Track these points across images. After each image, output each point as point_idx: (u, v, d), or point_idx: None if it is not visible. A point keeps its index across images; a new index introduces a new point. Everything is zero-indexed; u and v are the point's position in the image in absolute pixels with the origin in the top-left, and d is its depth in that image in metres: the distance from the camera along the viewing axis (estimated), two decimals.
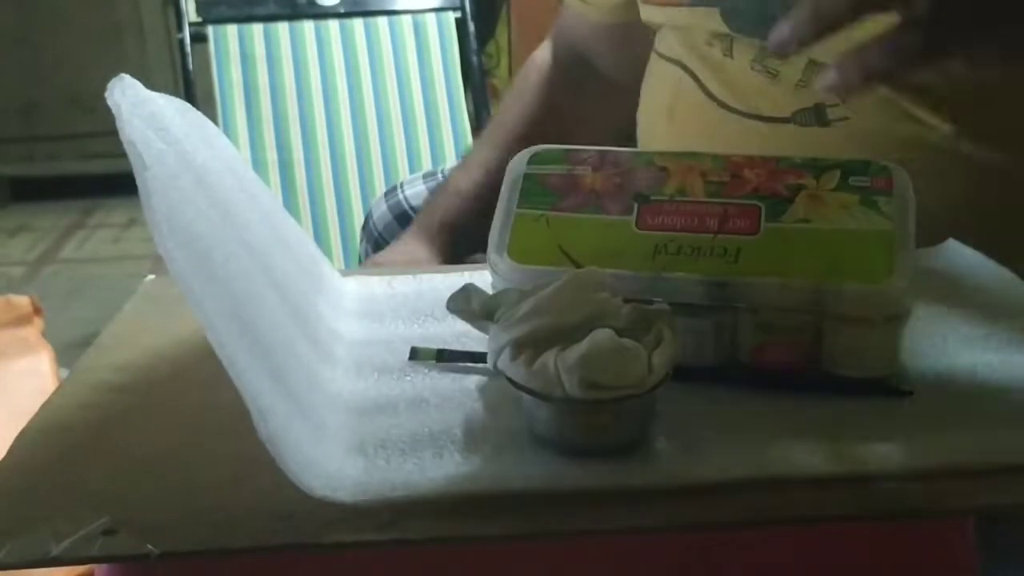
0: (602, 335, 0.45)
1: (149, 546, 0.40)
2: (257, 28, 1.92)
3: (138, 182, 0.43)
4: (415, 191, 1.08)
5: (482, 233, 0.57)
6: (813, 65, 0.71)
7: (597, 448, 0.45)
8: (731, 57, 0.76)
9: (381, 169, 1.90)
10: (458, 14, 1.99)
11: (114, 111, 0.45)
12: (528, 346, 0.46)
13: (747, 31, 0.74)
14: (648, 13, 0.84)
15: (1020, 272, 0.62)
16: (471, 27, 1.98)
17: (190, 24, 1.93)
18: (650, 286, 0.51)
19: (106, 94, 0.46)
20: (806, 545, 0.46)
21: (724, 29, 0.75)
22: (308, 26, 1.94)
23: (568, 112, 1.00)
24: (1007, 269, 0.63)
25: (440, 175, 1.09)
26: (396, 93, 1.93)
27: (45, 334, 1.62)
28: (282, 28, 1.93)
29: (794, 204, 0.53)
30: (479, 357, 0.54)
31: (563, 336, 0.45)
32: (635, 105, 0.89)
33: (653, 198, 0.55)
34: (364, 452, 0.46)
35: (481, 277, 0.57)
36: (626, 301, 0.48)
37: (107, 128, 0.47)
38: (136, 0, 3.24)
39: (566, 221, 0.55)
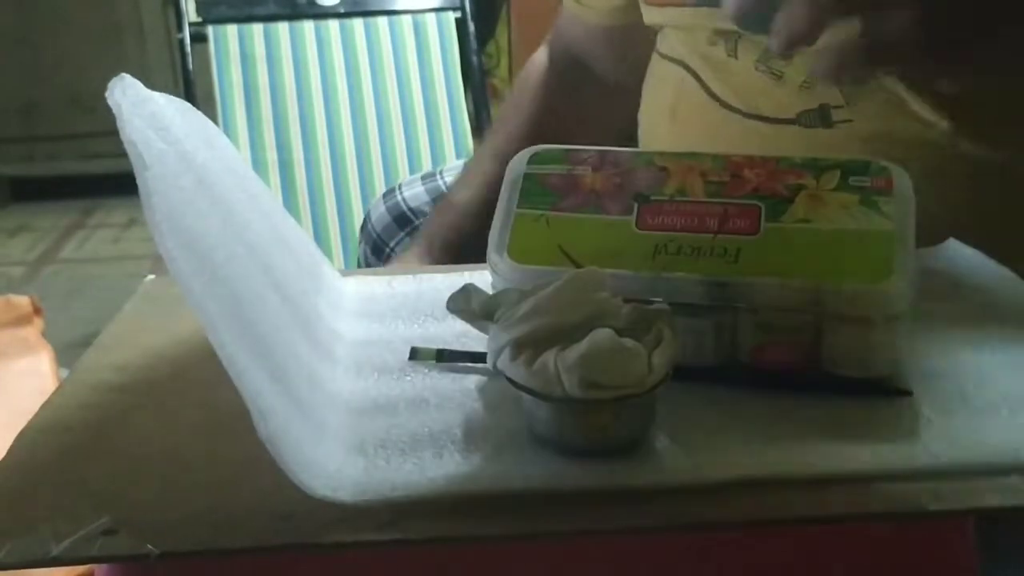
0: (602, 335, 0.45)
1: (149, 546, 0.40)
2: (257, 28, 1.92)
3: (138, 182, 0.43)
4: (414, 192, 1.08)
5: (484, 248, 0.57)
6: None
7: (597, 448, 0.45)
8: (735, 57, 0.76)
9: (381, 169, 1.90)
10: (458, 14, 1.99)
11: (114, 111, 0.45)
12: (528, 346, 0.46)
13: (755, 28, 0.74)
14: (651, 15, 0.84)
15: (1020, 272, 0.62)
16: (471, 27, 1.99)
17: (190, 24, 1.93)
18: (650, 286, 0.51)
19: (106, 94, 0.46)
20: (806, 545, 0.46)
21: (729, 27, 0.75)
22: (308, 26, 1.94)
23: (568, 114, 1.00)
24: (1007, 269, 0.63)
25: (439, 176, 1.09)
26: (396, 93, 1.93)
27: (45, 334, 1.62)
28: (282, 28, 1.93)
29: (794, 204, 0.53)
30: (479, 357, 0.54)
31: (563, 336, 0.45)
32: (635, 106, 0.89)
33: (653, 198, 0.55)
34: (364, 452, 0.46)
35: (481, 277, 0.57)
36: (626, 301, 0.48)
37: (107, 128, 0.47)
38: (136, 0, 3.24)
39: (566, 221, 0.55)
